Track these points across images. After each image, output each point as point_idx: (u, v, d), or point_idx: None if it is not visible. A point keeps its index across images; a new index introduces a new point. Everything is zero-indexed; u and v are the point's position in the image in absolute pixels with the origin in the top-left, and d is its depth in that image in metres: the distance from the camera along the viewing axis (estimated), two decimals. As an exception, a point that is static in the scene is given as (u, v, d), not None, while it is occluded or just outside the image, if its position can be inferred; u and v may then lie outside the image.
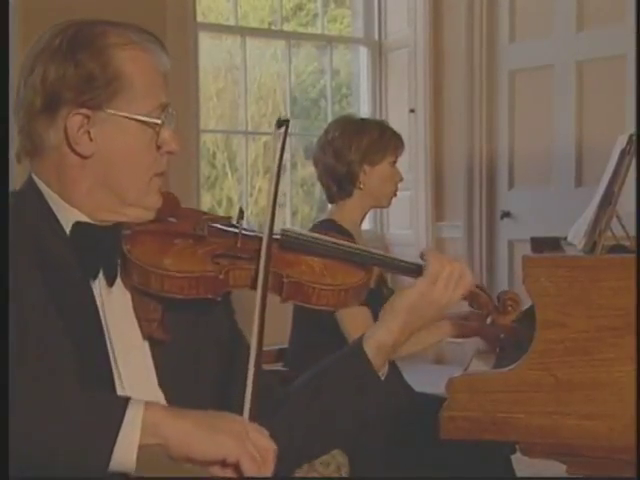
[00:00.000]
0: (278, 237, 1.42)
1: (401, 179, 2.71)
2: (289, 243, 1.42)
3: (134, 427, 1.11)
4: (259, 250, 1.36)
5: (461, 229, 5.45)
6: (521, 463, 2.23)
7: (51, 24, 1.39)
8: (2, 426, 1.09)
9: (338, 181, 2.67)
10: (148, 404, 1.13)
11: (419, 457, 2.33)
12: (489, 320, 1.58)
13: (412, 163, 5.41)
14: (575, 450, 1.69)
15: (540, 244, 2.48)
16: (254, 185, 5.74)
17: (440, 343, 2.52)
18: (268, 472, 1.15)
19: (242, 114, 5.45)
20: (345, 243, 1.48)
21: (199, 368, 1.43)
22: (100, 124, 1.33)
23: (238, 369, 1.38)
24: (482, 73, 5.31)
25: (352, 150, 2.63)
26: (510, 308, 1.61)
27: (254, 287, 1.34)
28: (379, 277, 2.58)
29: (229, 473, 1.14)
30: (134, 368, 1.35)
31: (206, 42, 5.35)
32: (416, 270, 1.45)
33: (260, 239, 1.37)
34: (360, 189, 2.65)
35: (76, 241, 1.34)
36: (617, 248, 2.19)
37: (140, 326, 1.37)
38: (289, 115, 5.60)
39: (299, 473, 1.58)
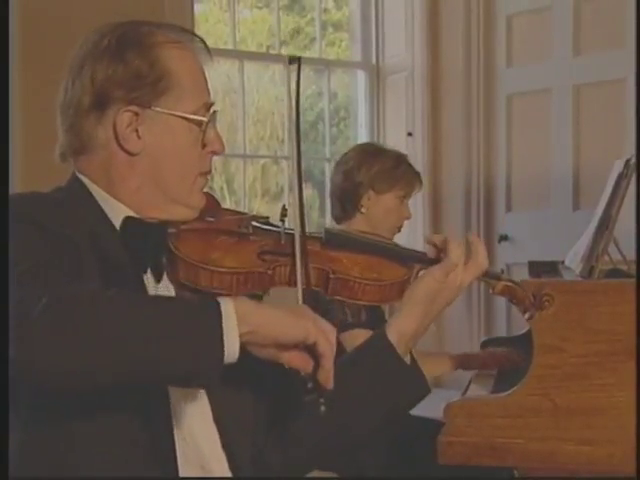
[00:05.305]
0: (321, 236, 1.44)
1: (408, 217, 2.68)
2: (332, 241, 1.44)
3: (231, 319, 1.11)
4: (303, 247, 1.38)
5: (459, 252, 5.42)
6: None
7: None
8: (2, 426, 1.08)
9: (342, 201, 2.67)
10: (235, 298, 1.15)
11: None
12: (527, 316, 1.57)
13: (410, 186, 5.41)
14: (574, 475, 1.68)
15: (538, 268, 2.47)
16: (252, 208, 5.73)
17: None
18: (333, 352, 1.18)
19: (240, 137, 5.45)
20: (386, 240, 1.51)
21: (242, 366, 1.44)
22: (148, 122, 1.35)
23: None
24: (479, 97, 5.32)
25: (361, 172, 2.62)
26: (547, 303, 1.60)
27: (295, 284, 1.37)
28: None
29: (301, 357, 1.18)
30: None
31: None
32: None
33: (303, 237, 1.40)
34: (362, 213, 2.64)
35: (126, 235, 1.35)
36: (614, 272, 2.19)
37: None
38: (286, 138, 5.61)
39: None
